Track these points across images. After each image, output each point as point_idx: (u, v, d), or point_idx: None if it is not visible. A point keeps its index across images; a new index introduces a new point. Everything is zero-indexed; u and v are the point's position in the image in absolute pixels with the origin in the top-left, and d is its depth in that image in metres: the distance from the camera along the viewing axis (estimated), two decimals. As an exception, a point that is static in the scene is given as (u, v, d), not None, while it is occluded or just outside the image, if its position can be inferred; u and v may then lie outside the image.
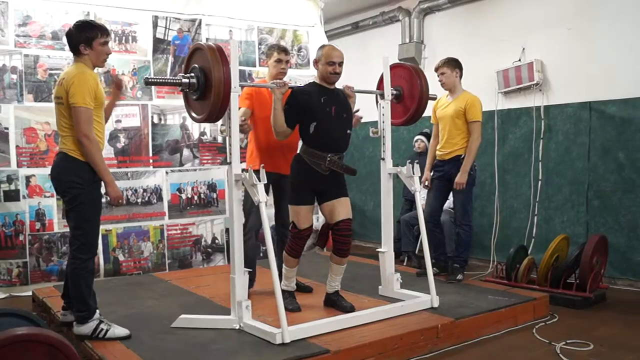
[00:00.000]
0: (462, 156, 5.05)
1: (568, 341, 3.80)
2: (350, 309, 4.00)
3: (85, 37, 3.43)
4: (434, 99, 4.95)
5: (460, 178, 4.96)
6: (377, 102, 4.63)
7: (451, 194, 5.18)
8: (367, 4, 7.66)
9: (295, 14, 6.72)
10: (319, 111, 3.92)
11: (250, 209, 4.39)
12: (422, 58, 7.08)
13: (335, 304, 4.12)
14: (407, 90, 4.63)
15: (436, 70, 5.15)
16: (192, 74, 3.53)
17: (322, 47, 4.08)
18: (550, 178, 5.85)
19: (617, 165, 5.36)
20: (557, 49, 5.77)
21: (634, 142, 5.25)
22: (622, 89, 5.30)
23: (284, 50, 4.45)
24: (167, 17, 5.88)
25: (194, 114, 3.70)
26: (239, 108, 4.05)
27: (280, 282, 3.86)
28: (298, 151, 4.09)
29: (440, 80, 5.12)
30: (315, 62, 4.05)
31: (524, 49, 6.03)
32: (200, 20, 6.06)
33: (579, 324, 4.22)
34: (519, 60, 6.03)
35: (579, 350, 3.69)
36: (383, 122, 4.48)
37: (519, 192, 6.12)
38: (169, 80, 3.89)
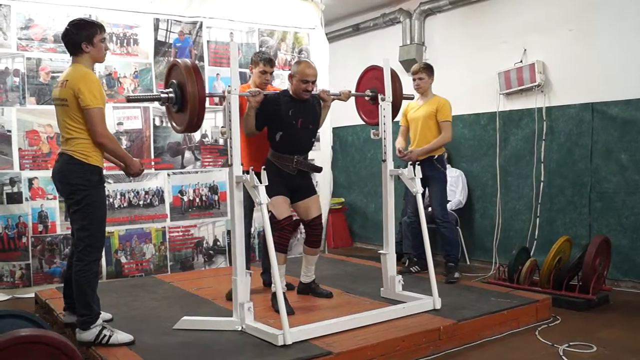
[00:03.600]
0: (435, 157, 5.28)
1: (571, 343, 3.80)
2: (328, 295, 4.47)
3: (86, 34, 3.49)
4: (411, 98, 5.04)
5: (416, 153, 5.20)
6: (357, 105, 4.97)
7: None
8: (367, 5, 7.66)
9: (296, 16, 6.72)
10: (285, 122, 4.17)
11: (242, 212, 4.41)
12: (423, 60, 7.08)
13: (313, 291, 4.53)
14: (382, 91, 4.69)
15: (414, 74, 5.36)
16: (171, 89, 3.66)
17: (299, 63, 4.26)
18: (552, 179, 5.84)
19: (619, 166, 5.35)
20: (559, 50, 5.77)
21: (636, 143, 5.25)
22: (625, 90, 5.30)
23: (269, 62, 4.58)
24: (168, 20, 5.88)
25: (175, 125, 3.84)
26: None
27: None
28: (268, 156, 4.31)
29: (416, 85, 5.35)
30: (291, 76, 4.23)
31: (525, 50, 6.03)
32: (201, 23, 6.06)
33: (582, 326, 4.21)
34: (521, 61, 6.02)
35: (581, 352, 3.68)
36: (384, 123, 4.49)
37: (521, 194, 6.11)
38: (149, 96, 4.09)
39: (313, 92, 4.33)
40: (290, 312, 3.85)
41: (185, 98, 3.55)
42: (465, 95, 6.52)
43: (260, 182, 3.56)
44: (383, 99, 4.50)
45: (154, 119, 5.79)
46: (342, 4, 7.52)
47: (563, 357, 3.59)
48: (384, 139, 4.50)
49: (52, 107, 5.24)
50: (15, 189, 5.22)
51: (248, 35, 6.39)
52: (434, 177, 5.27)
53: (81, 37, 3.47)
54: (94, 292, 3.51)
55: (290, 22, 6.68)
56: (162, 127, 5.83)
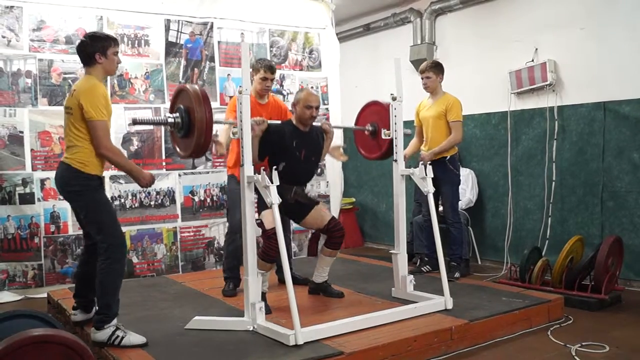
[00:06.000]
0: (447, 158, 5.29)
1: (583, 343, 3.77)
2: (340, 295, 4.50)
3: (101, 46, 3.56)
4: (408, 135, 5.02)
5: (426, 158, 5.16)
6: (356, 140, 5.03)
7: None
8: (378, 5, 7.65)
9: (307, 16, 6.73)
10: (289, 154, 4.21)
11: (233, 205, 4.61)
12: (434, 59, 7.05)
13: (325, 291, 4.56)
14: (381, 127, 4.72)
15: (421, 72, 5.35)
16: (177, 114, 3.63)
17: (301, 91, 4.36)
18: (564, 179, 5.81)
19: (631, 165, 5.31)
20: (571, 49, 5.73)
21: (649, 142, 5.21)
22: (637, 88, 5.25)
23: (270, 69, 4.63)
24: (179, 21, 5.90)
25: (179, 150, 3.82)
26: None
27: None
28: None
29: (424, 84, 5.36)
30: (294, 104, 4.32)
31: (536, 49, 5.99)
32: (212, 24, 6.08)
33: (594, 326, 4.19)
34: (532, 60, 5.98)
35: (594, 352, 3.65)
36: (395, 123, 4.48)
37: (533, 193, 6.08)
38: (156, 120, 4.03)
39: (315, 124, 4.40)
40: (267, 312, 3.87)
41: (192, 124, 3.53)
42: (477, 94, 6.49)
43: (272, 182, 3.57)
44: (394, 99, 4.49)
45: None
46: (353, 4, 7.52)
47: (575, 357, 3.57)
48: (395, 138, 4.49)
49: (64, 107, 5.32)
50: (27, 190, 5.26)
51: (259, 36, 6.41)
52: (445, 179, 5.28)
53: (95, 48, 3.54)
54: (116, 291, 3.56)
55: (301, 22, 6.69)
56: (173, 128, 5.84)
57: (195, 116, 3.49)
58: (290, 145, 4.22)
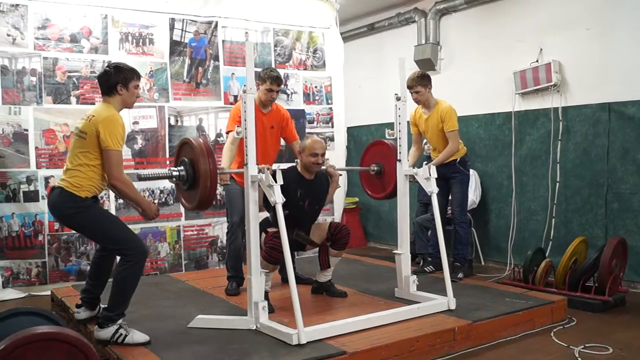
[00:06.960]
0: (457, 160, 5.31)
1: (587, 345, 3.76)
2: (342, 295, 4.52)
3: (123, 77, 3.57)
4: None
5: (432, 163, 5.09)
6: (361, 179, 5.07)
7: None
8: (382, 5, 7.65)
9: (311, 15, 6.73)
10: (292, 203, 4.07)
11: (232, 205, 4.64)
12: (438, 59, 7.05)
13: (328, 290, 4.58)
14: (386, 167, 4.75)
15: (410, 88, 5.13)
16: (182, 167, 3.65)
17: (306, 138, 4.38)
18: (568, 180, 5.80)
19: (636, 167, 5.30)
20: (575, 50, 5.72)
21: (653, 143, 5.19)
22: (642, 89, 5.25)
23: (276, 81, 4.61)
24: (183, 20, 5.91)
25: (185, 202, 3.82)
26: (228, 132, 4.60)
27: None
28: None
29: (415, 99, 5.23)
30: (299, 152, 4.36)
31: (541, 49, 5.98)
32: (217, 23, 6.09)
33: (598, 328, 4.18)
34: (537, 61, 5.97)
35: (597, 354, 3.65)
36: (399, 123, 4.48)
37: (537, 194, 6.07)
38: (161, 175, 4.00)
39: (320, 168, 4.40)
40: (270, 310, 3.85)
41: (197, 176, 3.54)
42: (481, 94, 6.49)
43: (276, 182, 3.58)
44: (399, 99, 4.48)
45: (169, 118, 5.82)
46: (357, 4, 7.52)
47: (579, 358, 3.57)
48: (399, 138, 4.49)
49: (68, 106, 5.36)
50: (32, 187, 5.27)
51: (263, 35, 6.41)
52: (455, 179, 5.32)
53: (118, 79, 3.55)
54: (130, 293, 3.55)
55: (305, 21, 6.69)
56: (177, 127, 5.85)
57: (199, 168, 3.50)
58: (294, 195, 4.19)
